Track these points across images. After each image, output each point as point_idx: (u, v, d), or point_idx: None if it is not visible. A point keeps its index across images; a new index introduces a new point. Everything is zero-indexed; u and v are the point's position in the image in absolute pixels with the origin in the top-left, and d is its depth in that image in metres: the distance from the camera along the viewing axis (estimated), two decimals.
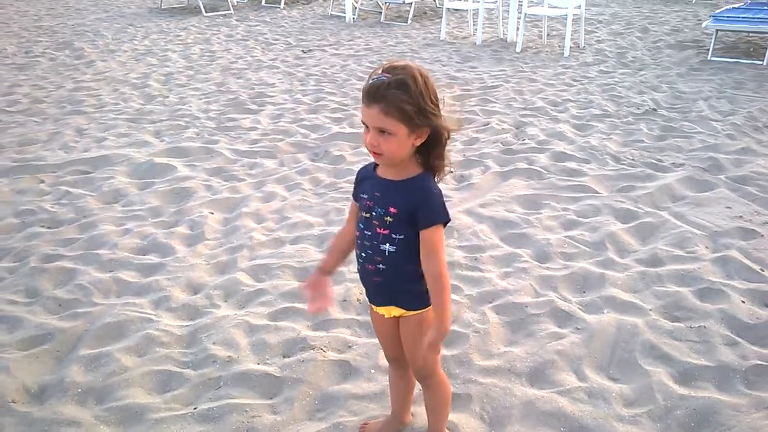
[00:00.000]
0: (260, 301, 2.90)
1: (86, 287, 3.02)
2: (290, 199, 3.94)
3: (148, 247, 3.44)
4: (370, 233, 1.73)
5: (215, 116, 5.60)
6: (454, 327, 2.70)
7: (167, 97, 6.26)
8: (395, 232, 1.69)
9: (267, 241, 3.43)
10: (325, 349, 2.55)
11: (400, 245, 1.70)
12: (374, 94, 1.57)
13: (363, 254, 1.77)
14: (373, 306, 1.90)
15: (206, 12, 11.09)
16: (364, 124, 1.65)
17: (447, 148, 1.70)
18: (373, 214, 1.71)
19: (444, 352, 2.55)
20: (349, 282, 3.02)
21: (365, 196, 1.75)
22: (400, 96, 1.55)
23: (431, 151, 1.68)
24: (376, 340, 2.61)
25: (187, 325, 2.76)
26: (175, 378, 2.44)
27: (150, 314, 2.82)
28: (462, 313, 2.78)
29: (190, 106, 5.88)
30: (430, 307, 1.76)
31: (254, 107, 5.85)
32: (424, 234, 1.67)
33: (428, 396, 2.03)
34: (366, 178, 1.80)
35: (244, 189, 4.12)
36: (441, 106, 1.64)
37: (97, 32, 9.65)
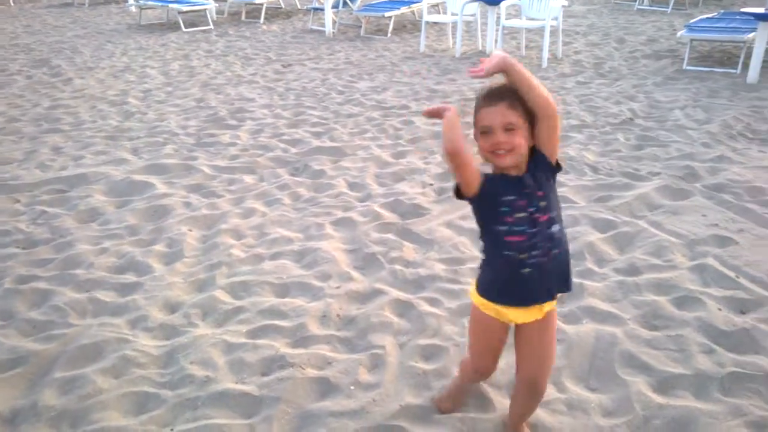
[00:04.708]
0: (238, 319, 2.87)
1: (62, 308, 2.98)
2: (270, 215, 3.93)
3: (125, 265, 3.40)
4: (536, 229, 1.77)
5: (194, 132, 5.57)
6: (434, 341, 2.70)
7: (146, 113, 6.22)
8: (550, 210, 1.79)
9: (246, 258, 3.41)
10: (303, 366, 2.53)
11: (559, 220, 1.82)
12: (498, 93, 1.73)
13: (534, 252, 1.78)
14: (520, 309, 1.88)
15: (185, 28, 11.08)
16: (483, 130, 1.75)
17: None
18: (531, 209, 1.77)
19: (424, 366, 2.55)
20: (329, 298, 3.00)
21: (512, 198, 1.77)
22: (517, 95, 1.72)
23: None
24: (356, 356, 2.61)
25: (164, 345, 2.73)
26: (151, 399, 2.40)
27: (127, 334, 2.79)
28: (442, 327, 2.78)
29: (169, 123, 5.86)
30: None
31: (234, 122, 5.84)
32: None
33: (531, 401, 2.09)
34: (500, 186, 1.79)
35: (223, 205, 4.09)
36: None
37: (75, 49, 9.60)
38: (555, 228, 1.79)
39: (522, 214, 1.77)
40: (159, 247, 3.57)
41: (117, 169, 4.72)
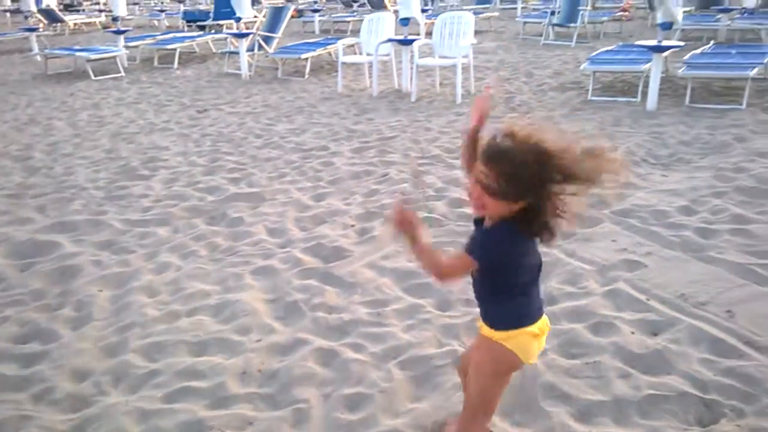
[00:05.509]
0: (153, 383, 2.73)
1: None
2: (185, 268, 3.79)
3: (29, 334, 3.18)
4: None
5: (104, 185, 5.36)
6: (359, 389, 2.64)
7: (52, 167, 5.94)
8: None
9: (160, 316, 3.26)
10: (223, 429, 2.42)
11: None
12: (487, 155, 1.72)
13: None
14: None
15: (95, 76, 10.76)
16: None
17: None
18: None
19: (349, 416, 2.49)
20: (249, 352, 2.91)
21: None
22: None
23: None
24: (279, 413, 2.53)
25: (71, 419, 2.55)
26: None
27: (29, 410, 2.59)
28: (367, 373, 2.73)
29: (77, 177, 5.61)
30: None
31: (146, 173, 5.66)
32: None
33: None
34: None
35: (136, 261, 3.92)
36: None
37: None
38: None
39: None
40: (67, 311, 3.37)
41: (20, 229, 4.46)
